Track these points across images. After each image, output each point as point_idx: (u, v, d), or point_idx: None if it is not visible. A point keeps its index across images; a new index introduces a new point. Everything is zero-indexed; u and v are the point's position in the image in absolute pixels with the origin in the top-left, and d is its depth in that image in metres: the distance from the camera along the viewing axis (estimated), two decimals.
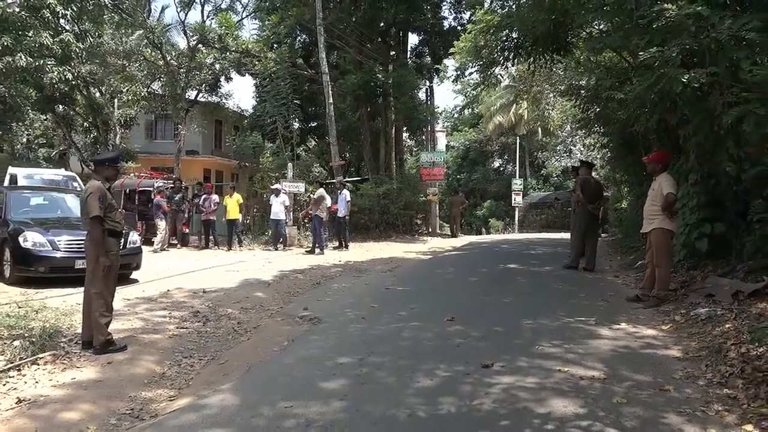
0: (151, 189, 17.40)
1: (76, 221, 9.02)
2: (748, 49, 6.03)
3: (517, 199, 30.23)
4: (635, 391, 4.29)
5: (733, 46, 6.05)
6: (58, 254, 8.77)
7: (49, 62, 18.91)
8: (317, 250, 15.12)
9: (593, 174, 12.00)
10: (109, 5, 21.79)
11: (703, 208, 7.95)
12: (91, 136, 25.86)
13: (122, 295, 7.80)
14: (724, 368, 4.60)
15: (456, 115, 46.96)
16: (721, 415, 3.84)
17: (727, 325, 5.59)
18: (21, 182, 15.32)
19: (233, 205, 16.33)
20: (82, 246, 6.12)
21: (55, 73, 18.93)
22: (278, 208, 16.20)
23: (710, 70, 6.13)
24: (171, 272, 10.88)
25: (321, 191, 16.04)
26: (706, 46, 6.12)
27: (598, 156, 22.95)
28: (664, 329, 6.14)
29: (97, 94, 24.77)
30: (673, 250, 7.88)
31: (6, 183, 15.55)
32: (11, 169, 16.91)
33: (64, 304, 7.19)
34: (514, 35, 11.29)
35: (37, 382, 4.71)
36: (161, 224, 15.64)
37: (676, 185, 7.50)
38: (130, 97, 24.72)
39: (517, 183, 30.76)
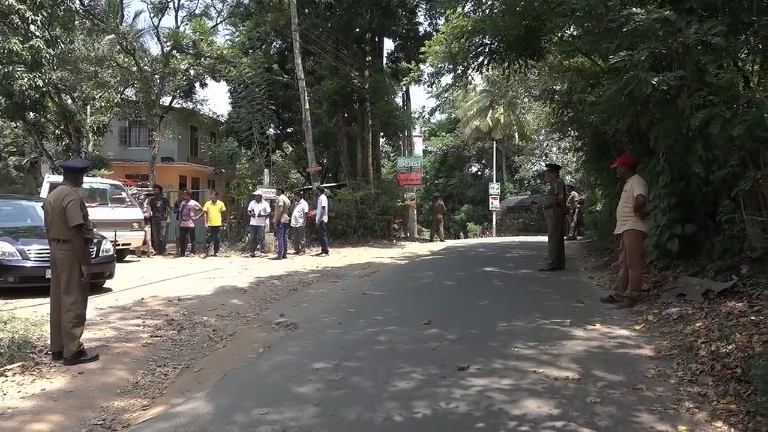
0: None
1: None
2: (713, 53, 6.17)
3: (495, 203, 30.44)
4: (608, 390, 4.33)
5: (700, 51, 6.18)
6: (29, 264, 8.59)
7: (19, 69, 18.58)
8: (286, 255, 15.45)
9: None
10: (81, 11, 21.47)
11: (673, 210, 8.08)
12: (63, 143, 25.32)
13: (95, 304, 7.68)
14: (695, 366, 4.67)
15: (429, 117, 46.92)
16: (692, 412, 3.90)
17: (697, 324, 5.68)
18: None
19: (215, 212, 16.32)
20: None
21: (25, 79, 18.58)
22: (260, 213, 16.23)
23: (678, 73, 6.25)
24: (145, 280, 10.74)
25: (280, 198, 16.29)
26: (674, 50, 6.25)
27: (573, 159, 23.22)
28: (637, 329, 6.21)
29: (69, 101, 24.30)
30: (645, 251, 8.00)
31: (45, 192, 14.16)
32: (52, 177, 15.46)
33: (34, 315, 7.05)
34: (488, 41, 11.39)
35: (5, 394, 4.61)
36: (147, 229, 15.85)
37: (647, 187, 7.61)
38: (103, 104, 24.33)
39: (495, 187, 30.99)
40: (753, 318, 5.29)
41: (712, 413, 3.85)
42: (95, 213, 13.15)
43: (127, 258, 14.96)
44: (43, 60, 18.54)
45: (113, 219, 13.86)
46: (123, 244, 14.22)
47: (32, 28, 18.55)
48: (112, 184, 15.94)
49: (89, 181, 14.98)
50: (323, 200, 16.69)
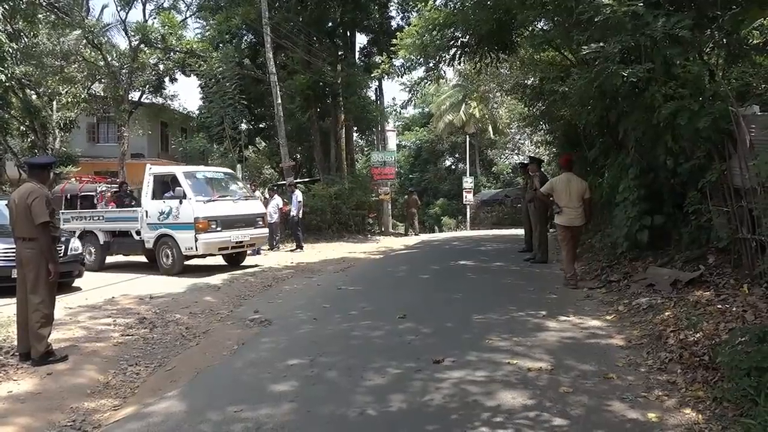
0: (93, 194, 16.81)
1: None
2: (680, 46, 6.28)
3: (469, 197, 30.54)
4: (581, 380, 4.40)
5: (667, 44, 6.29)
6: None
7: None
8: (260, 251, 15.19)
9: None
10: (44, 4, 20.95)
11: (643, 201, 8.22)
12: (29, 140, 24.79)
13: (64, 304, 7.53)
14: (664, 354, 4.77)
15: (402, 110, 46.77)
16: (662, 399, 3.97)
17: (666, 313, 5.80)
18: (183, 181, 11.38)
19: None
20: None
21: None
22: None
23: (647, 66, 6.36)
24: (116, 279, 10.56)
25: (257, 195, 16.27)
26: (642, 44, 6.35)
27: (545, 153, 23.46)
28: (608, 319, 6.32)
29: (34, 97, 23.77)
30: (570, 242, 8.60)
31: (151, 184, 11.79)
32: (155, 169, 12.43)
33: (0, 315, 6.89)
34: (459, 34, 11.43)
35: None
36: None
37: (552, 184, 8.85)
38: (69, 99, 23.83)
39: (468, 181, 31.07)
40: (719, 306, 5.42)
41: (681, 400, 3.93)
42: (217, 209, 11.43)
43: (246, 261, 12.98)
44: (5, 54, 18.03)
45: (238, 215, 11.93)
46: (248, 245, 12.40)
47: None
48: (226, 173, 13.88)
49: (202, 171, 13.03)
50: (299, 195, 16.61)
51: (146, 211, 11.64)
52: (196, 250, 11.07)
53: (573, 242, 8.62)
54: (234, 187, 12.98)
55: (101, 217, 12.73)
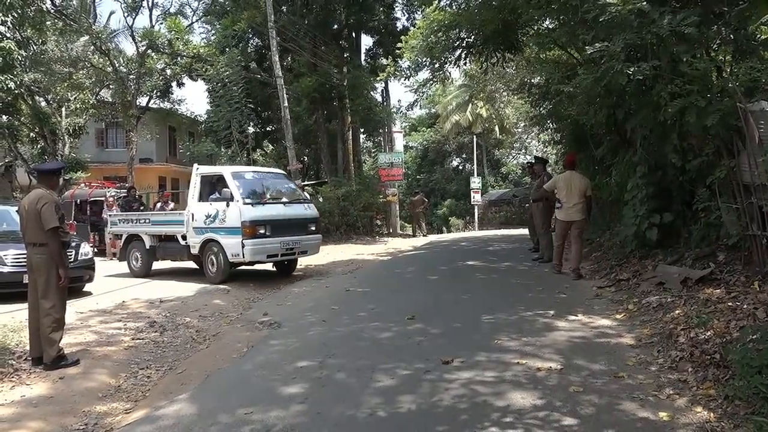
0: (103, 199, 16.94)
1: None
2: (687, 43, 6.26)
3: (476, 198, 30.55)
4: (591, 379, 4.38)
5: (673, 41, 6.27)
6: (5, 269, 8.44)
7: None
8: None
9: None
10: (52, 11, 21.11)
11: (651, 199, 8.18)
12: (38, 146, 25.00)
13: (75, 308, 7.59)
14: (675, 353, 4.74)
15: (406, 113, 46.79)
16: (673, 398, 3.95)
17: (677, 312, 5.76)
18: (230, 182, 10.41)
19: None
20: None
21: None
22: None
23: (653, 63, 6.34)
24: (126, 283, 10.62)
25: None
26: (648, 41, 6.33)
27: (553, 152, 23.38)
28: (618, 318, 6.29)
29: (43, 103, 23.98)
30: (559, 235, 9.48)
31: (198, 186, 10.85)
32: (202, 169, 11.25)
33: (13, 320, 6.94)
34: (464, 34, 11.43)
35: None
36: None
37: (555, 180, 9.53)
38: (78, 106, 24.02)
39: (476, 181, 31.09)
40: (730, 304, 5.38)
41: (692, 399, 3.91)
42: (266, 212, 10.44)
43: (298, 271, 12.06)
44: (14, 62, 18.20)
45: (289, 218, 10.82)
46: (299, 251, 11.11)
47: (2, 29, 18.17)
48: (277, 173, 12.88)
49: (251, 171, 12.13)
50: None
51: (192, 214, 10.75)
52: (243, 256, 10.15)
53: (577, 236, 9.10)
54: (285, 189, 11.80)
55: (147, 221, 12.02)
